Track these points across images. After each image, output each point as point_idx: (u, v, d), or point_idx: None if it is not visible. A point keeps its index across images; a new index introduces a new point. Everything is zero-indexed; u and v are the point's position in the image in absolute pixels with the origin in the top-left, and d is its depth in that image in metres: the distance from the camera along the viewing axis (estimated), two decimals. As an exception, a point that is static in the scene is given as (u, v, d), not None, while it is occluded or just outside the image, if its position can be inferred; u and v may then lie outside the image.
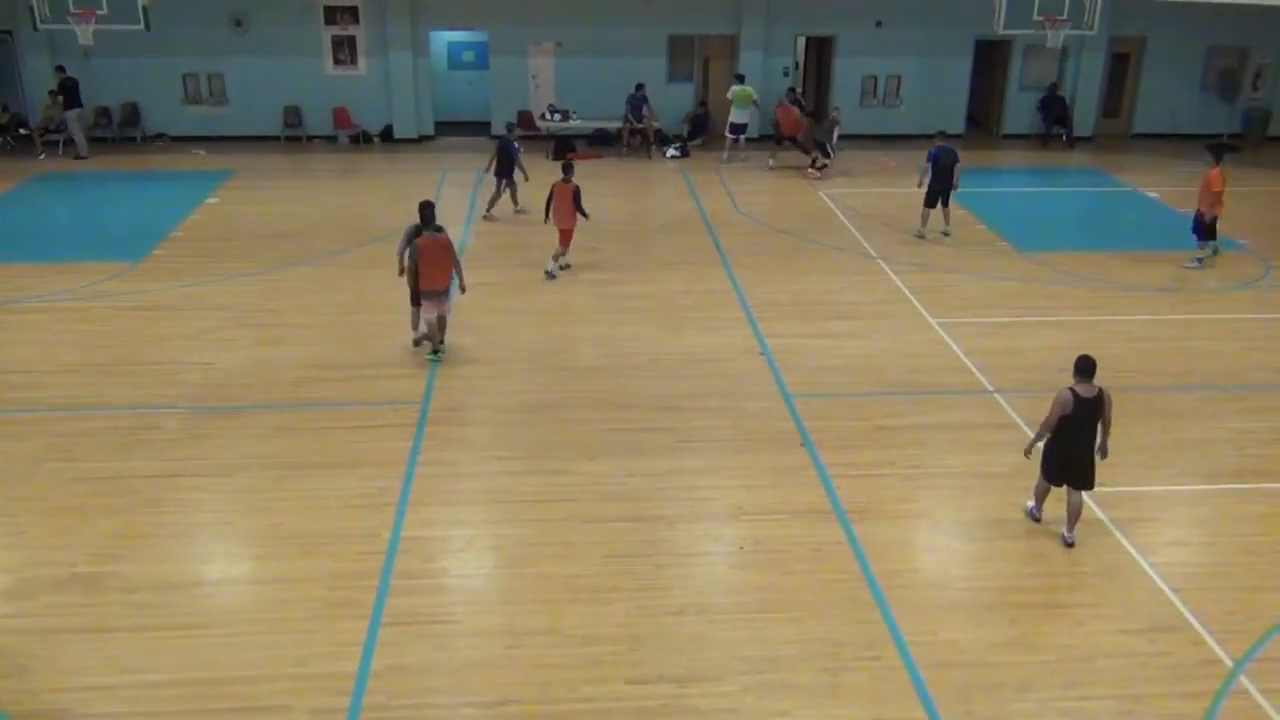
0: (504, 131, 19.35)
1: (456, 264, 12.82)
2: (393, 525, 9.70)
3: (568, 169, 15.90)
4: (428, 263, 12.54)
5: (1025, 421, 11.65)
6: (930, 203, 17.77)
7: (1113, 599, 8.92)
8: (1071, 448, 9.36)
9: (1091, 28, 21.96)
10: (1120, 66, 25.56)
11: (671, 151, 23.63)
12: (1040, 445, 9.59)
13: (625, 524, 9.83)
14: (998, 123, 25.84)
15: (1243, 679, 8.00)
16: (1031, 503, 9.94)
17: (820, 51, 26.78)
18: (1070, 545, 9.56)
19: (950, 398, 12.38)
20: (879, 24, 24.29)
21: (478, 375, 12.81)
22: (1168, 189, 20.83)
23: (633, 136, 23.85)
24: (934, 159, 17.59)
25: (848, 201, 20.09)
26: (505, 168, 18.32)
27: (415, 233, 12.84)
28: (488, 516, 10.03)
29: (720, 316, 14.62)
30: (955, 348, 13.65)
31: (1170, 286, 15.89)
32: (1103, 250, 17.64)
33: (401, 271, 13.09)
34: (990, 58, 25.19)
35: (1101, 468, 10.78)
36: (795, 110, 21.88)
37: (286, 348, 13.47)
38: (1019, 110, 25.60)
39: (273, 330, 14.01)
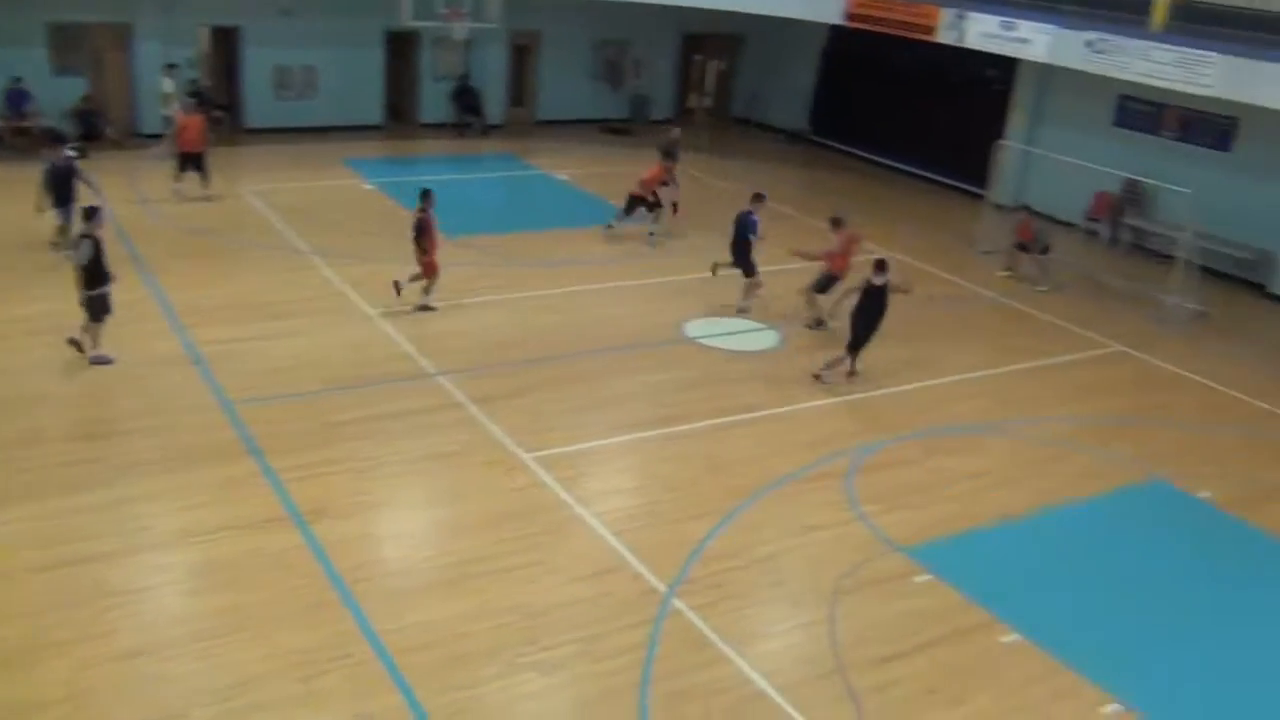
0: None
1: None
2: None
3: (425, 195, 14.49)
4: None
5: (469, 400, 12.17)
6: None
7: (561, 553, 9.65)
8: (859, 320, 13.15)
9: (492, 21, 23.26)
10: (522, 58, 27.29)
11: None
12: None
13: (57, 570, 8.80)
14: (414, 112, 26.46)
15: (675, 601, 9.06)
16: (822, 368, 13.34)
17: (227, 43, 25.56)
18: (817, 378, 13.29)
19: (397, 385, 12.55)
20: (286, 12, 23.65)
21: None
22: (574, 171, 22.69)
23: (16, 136, 21.12)
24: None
25: (274, 198, 19.45)
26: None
27: None
28: (-128, 593, 8.46)
29: (141, 328, 13.43)
30: (396, 336, 13.84)
31: (579, 260, 17.32)
32: (522, 230, 18.80)
33: None
34: (402, 49, 25.63)
35: (538, 433, 11.63)
36: (199, 120, 19.87)
37: None
38: (434, 100, 26.34)
39: None
